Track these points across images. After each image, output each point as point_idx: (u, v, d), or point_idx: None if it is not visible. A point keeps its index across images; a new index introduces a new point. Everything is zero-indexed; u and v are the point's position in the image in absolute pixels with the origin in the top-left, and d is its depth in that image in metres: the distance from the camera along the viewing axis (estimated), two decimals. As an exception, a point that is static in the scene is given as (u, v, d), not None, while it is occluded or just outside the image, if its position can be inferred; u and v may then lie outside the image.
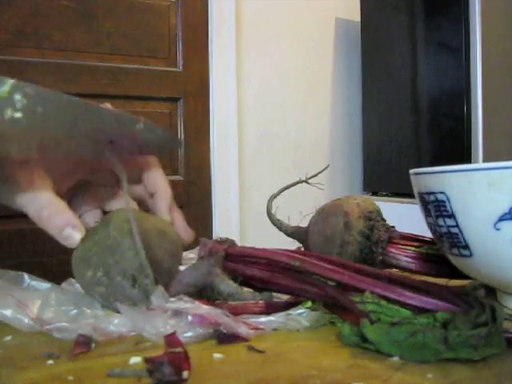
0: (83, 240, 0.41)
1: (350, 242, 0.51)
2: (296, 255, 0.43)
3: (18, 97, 0.32)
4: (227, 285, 0.44)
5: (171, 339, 0.32)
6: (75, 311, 0.41)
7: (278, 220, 0.59)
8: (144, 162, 0.48)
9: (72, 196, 0.49)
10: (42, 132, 0.34)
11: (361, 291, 0.39)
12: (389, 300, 0.38)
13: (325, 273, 0.41)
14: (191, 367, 0.30)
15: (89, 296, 0.42)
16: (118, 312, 0.40)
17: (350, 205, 0.54)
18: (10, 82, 0.31)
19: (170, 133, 0.47)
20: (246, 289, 0.45)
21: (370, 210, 0.54)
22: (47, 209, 0.40)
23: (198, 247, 0.50)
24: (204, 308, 0.39)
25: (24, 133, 0.33)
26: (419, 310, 0.37)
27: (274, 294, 0.45)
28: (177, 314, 0.39)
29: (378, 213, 0.55)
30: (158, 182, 0.48)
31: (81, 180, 0.49)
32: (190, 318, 0.38)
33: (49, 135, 0.35)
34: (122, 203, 0.49)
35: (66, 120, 0.35)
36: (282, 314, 0.41)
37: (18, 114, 0.32)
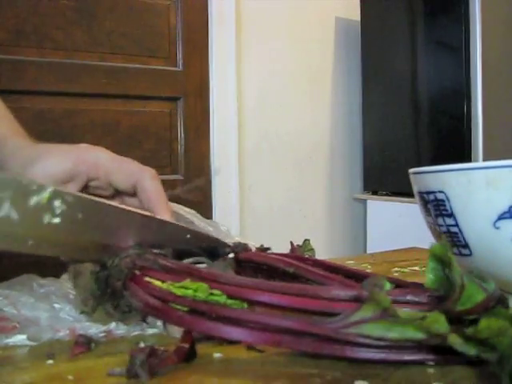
0: None
1: None
2: (292, 261, 0.43)
3: (57, 203, 0.33)
4: None
5: (185, 336, 0.33)
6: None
7: None
8: (139, 174, 0.48)
9: None
10: (79, 236, 0.36)
11: None
12: None
13: (318, 279, 0.41)
14: (178, 361, 0.30)
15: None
16: None
17: None
18: (50, 189, 0.33)
19: (217, 239, 0.46)
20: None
21: None
22: None
23: None
24: None
25: (61, 237, 0.35)
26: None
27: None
28: None
29: None
30: (152, 197, 0.47)
31: None
32: None
33: (86, 240, 0.37)
34: None
35: (106, 226, 0.37)
36: (284, 312, 0.41)
37: (56, 220, 0.33)
